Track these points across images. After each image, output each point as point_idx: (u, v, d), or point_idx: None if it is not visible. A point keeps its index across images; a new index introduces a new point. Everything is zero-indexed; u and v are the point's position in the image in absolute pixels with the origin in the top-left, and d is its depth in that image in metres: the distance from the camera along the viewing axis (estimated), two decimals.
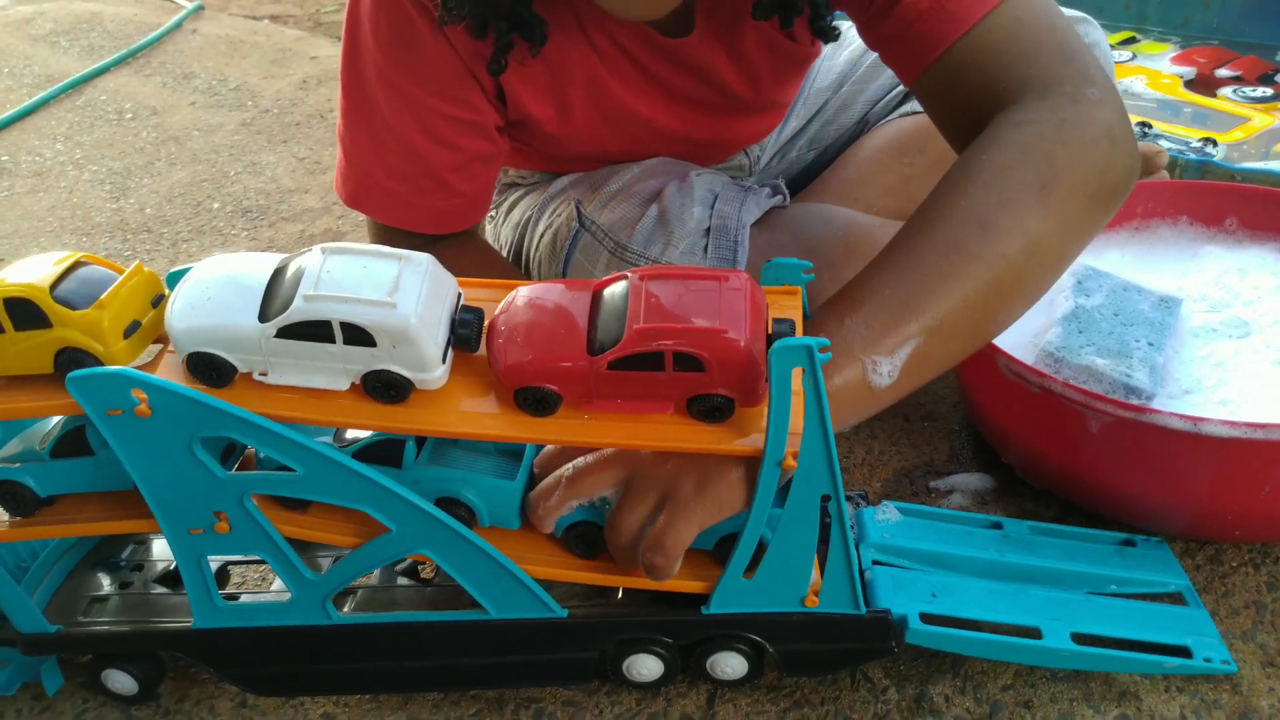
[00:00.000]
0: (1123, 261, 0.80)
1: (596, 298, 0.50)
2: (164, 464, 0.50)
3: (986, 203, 0.56)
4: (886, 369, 0.52)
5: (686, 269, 0.50)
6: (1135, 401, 0.65)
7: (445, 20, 0.65)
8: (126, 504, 0.56)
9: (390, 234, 0.78)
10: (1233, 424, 0.58)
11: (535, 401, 0.48)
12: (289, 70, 1.98)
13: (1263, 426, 0.58)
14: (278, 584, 0.62)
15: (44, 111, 1.90)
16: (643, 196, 0.80)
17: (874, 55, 0.76)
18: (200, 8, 2.57)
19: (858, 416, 0.53)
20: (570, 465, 0.53)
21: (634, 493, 0.52)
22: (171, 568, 0.65)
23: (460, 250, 0.79)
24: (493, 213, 0.95)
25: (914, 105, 0.92)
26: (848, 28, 0.80)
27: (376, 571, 0.62)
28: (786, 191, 0.84)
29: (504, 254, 0.91)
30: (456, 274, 0.52)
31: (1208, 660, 0.54)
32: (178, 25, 2.37)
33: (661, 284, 0.48)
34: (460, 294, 0.51)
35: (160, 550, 0.67)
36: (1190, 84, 1.36)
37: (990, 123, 0.61)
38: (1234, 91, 1.31)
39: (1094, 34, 0.90)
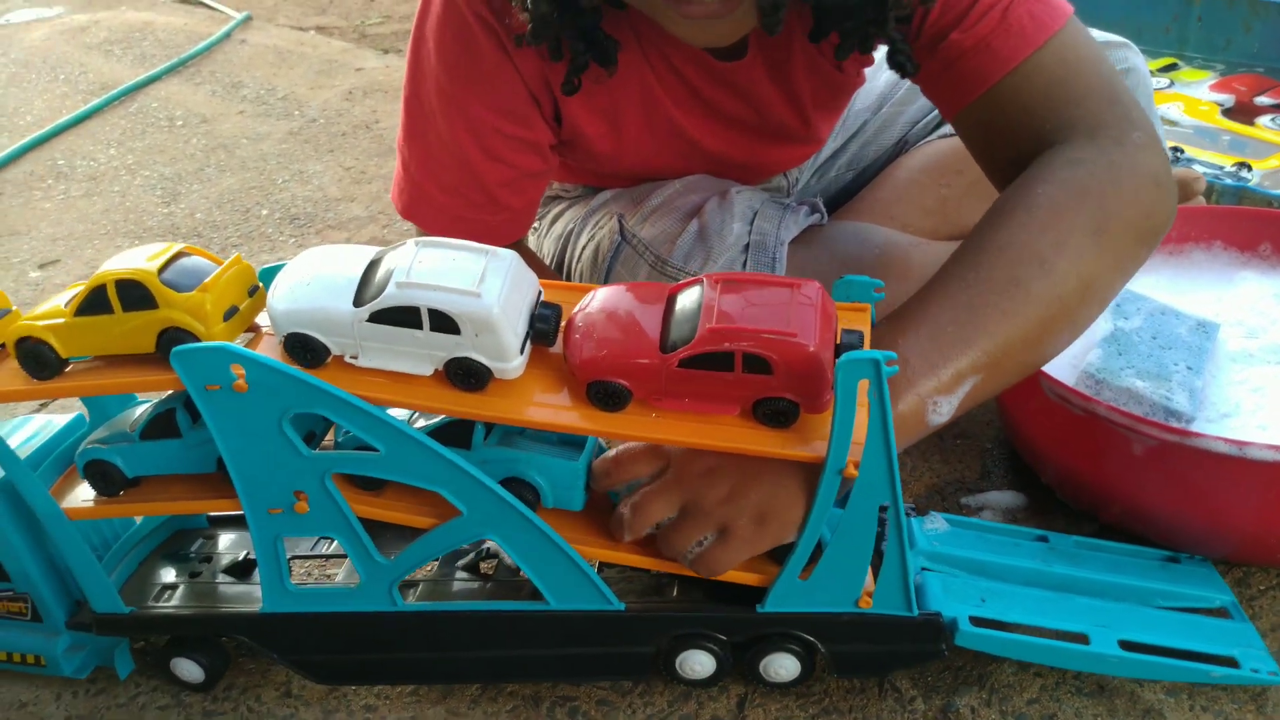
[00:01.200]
0: (1159, 285, 0.82)
1: (671, 300, 0.52)
2: (253, 440, 0.53)
3: (1044, 241, 0.58)
4: (945, 408, 0.54)
5: (761, 276, 0.52)
6: (1175, 424, 0.67)
7: (525, 43, 0.67)
8: (208, 485, 0.59)
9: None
10: (1277, 448, 0.60)
11: (606, 396, 0.51)
12: (335, 81, 2.03)
13: None
14: (340, 578, 0.64)
15: (98, 118, 1.96)
16: (684, 212, 0.83)
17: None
18: (249, 18, 2.63)
19: (909, 443, 0.55)
20: (635, 495, 0.55)
21: (693, 521, 0.54)
22: (240, 558, 0.67)
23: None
24: (536, 224, 0.98)
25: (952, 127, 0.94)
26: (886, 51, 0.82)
27: (436, 564, 0.65)
28: (824, 210, 0.86)
29: (547, 264, 0.93)
30: None
31: (1255, 671, 0.56)
32: (227, 35, 2.43)
33: (735, 289, 0.51)
34: (540, 291, 0.54)
35: (227, 544, 0.70)
36: (1229, 111, 1.37)
37: (1040, 158, 0.62)
38: (1272, 120, 1.33)
39: (1133, 59, 0.92)
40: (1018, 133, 0.65)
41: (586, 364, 0.51)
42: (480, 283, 0.50)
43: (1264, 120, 1.33)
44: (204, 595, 0.65)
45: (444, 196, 0.78)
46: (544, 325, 0.52)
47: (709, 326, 0.49)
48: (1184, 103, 1.40)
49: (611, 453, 0.57)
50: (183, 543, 0.70)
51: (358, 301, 0.51)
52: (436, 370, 0.52)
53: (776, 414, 0.49)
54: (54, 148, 1.82)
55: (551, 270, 0.92)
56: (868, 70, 0.96)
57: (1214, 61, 1.54)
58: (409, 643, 0.61)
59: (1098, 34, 0.92)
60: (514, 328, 0.51)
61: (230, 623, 0.62)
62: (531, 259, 0.87)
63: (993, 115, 0.66)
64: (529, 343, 0.52)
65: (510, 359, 0.51)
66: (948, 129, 0.94)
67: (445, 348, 0.51)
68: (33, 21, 3.01)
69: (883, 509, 0.50)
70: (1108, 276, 0.60)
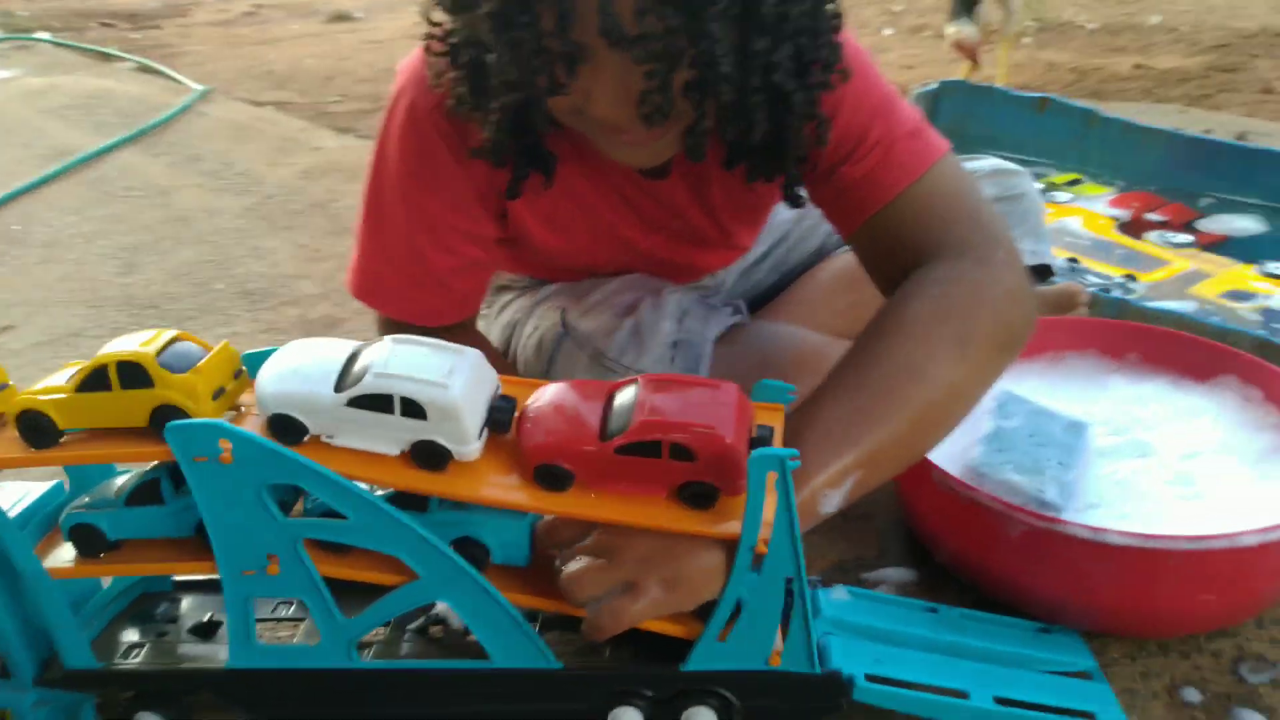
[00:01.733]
0: (1039, 388, 0.92)
1: (610, 396, 0.60)
2: (234, 508, 0.59)
3: (916, 354, 0.67)
4: (835, 499, 0.63)
5: (687, 378, 0.61)
6: (1047, 513, 0.76)
7: (474, 155, 0.76)
8: (185, 549, 0.64)
9: (393, 325, 0.88)
10: (1129, 534, 0.69)
11: (551, 478, 0.58)
12: (292, 159, 2.10)
13: (1153, 537, 0.69)
14: (298, 639, 0.70)
15: (55, 184, 2.00)
16: (621, 308, 0.92)
17: None
18: (210, 91, 2.70)
19: (805, 529, 0.62)
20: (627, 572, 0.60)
21: (608, 570, 0.59)
22: (204, 619, 0.72)
23: (459, 340, 0.90)
24: (486, 310, 1.06)
25: None
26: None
27: (388, 629, 0.71)
28: (746, 310, 0.96)
29: (495, 348, 1.01)
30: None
31: None
32: (186, 108, 2.50)
33: (665, 388, 0.59)
34: (499, 385, 0.61)
35: (191, 606, 0.75)
36: (1123, 226, 1.52)
37: (914, 276, 0.72)
38: (1159, 236, 1.47)
39: (1024, 185, 1.04)
40: (899, 252, 0.75)
41: (535, 449, 0.58)
42: (448, 376, 0.58)
43: (1151, 235, 1.48)
44: (170, 654, 0.70)
45: (396, 280, 0.86)
46: (501, 415, 0.60)
47: (641, 419, 0.57)
48: (1083, 216, 1.55)
49: (552, 516, 0.64)
50: (149, 604, 0.75)
51: (338, 388, 0.58)
52: (403, 451, 0.59)
53: (698, 496, 0.57)
54: (9, 212, 1.86)
55: (499, 354, 1.00)
56: None
57: (1115, 179, 1.70)
58: (363, 700, 0.66)
59: (995, 161, 1.05)
60: (474, 416, 0.58)
61: (197, 678, 0.67)
62: (481, 343, 0.95)
63: (878, 236, 0.77)
64: (486, 430, 0.60)
65: (469, 443, 0.58)
66: None
67: (413, 431, 0.58)
68: None
69: (789, 580, 0.58)
70: (972, 382, 0.69)
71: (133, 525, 0.65)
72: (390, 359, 0.58)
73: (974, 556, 0.78)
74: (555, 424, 0.59)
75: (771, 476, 0.54)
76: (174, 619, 0.73)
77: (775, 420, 0.63)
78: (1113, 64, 2.84)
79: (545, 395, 0.61)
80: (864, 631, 0.69)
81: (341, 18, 4.43)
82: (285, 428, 0.59)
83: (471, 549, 0.62)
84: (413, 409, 0.57)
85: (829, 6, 0.68)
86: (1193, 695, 0.71)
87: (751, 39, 0.62)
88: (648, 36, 0.59)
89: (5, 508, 0.67)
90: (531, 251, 0.92)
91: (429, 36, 0.72)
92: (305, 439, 0.60)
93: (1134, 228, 1.52)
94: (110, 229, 1.75)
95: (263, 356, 0.64)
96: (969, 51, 2.26)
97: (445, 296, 0.87)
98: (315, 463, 0.58)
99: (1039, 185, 1.68)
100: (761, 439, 0.59)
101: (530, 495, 0.59)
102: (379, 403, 0.57)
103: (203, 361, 0.61)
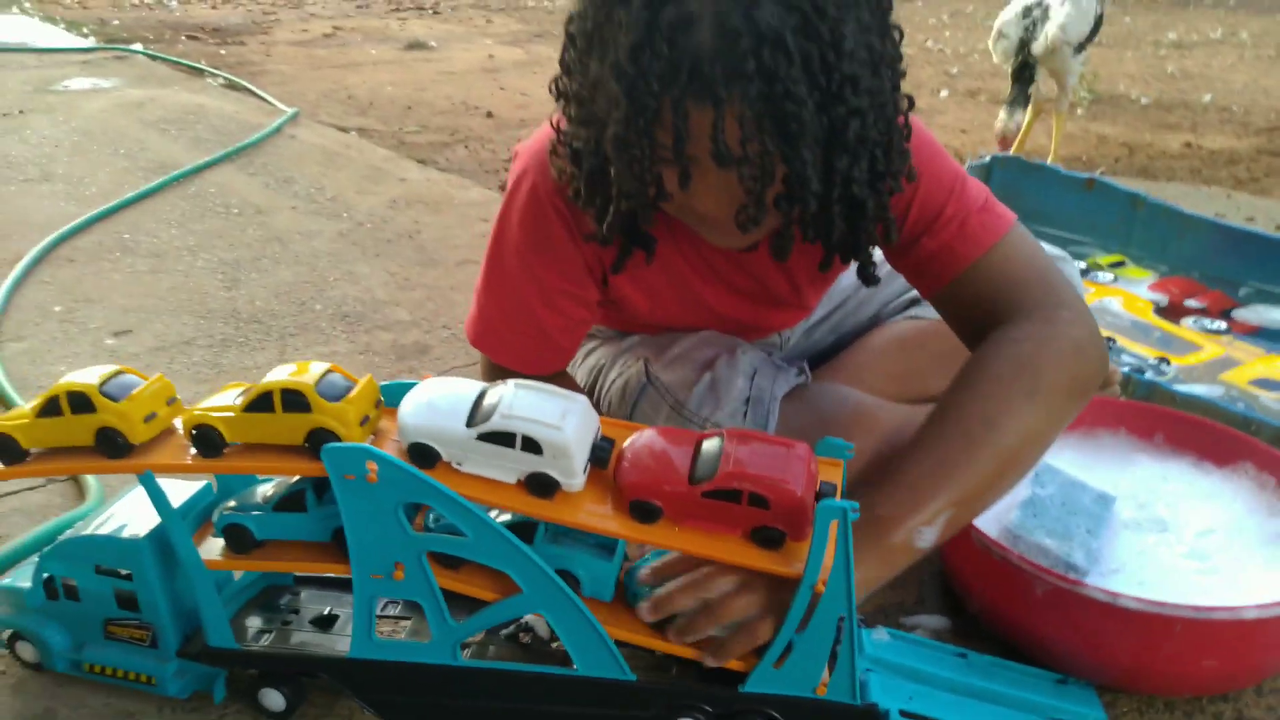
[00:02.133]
0: (1073, 460, 1.01)
1: (698, 445, 0.71)
2: (372, 520, 0.70)
3: (990, 407, 0.78)
4: (930, 536, 0.74)
5: (766, 435, 0.71)
6: (1072, 576, 0.85)
7: (586, 239, 0.88)
8: (322, 551, 0.75)
9: (497, 370, 0.99)
10: (1141, 600, 0.78)
11: (644, 512, 0.68)
12: (379, 188, 2.24)
13: (1162, 604, 0.78)
14: (404, 636, 0.80)
15: (158, 197, 2.15)
16: (699, 363, 1.02)
17: (888, 266, 0.99)
18: (298, 114, 2.86)
19: (906, 565, 0.75)
20: (710, 594, 0.72)
21: (743, 598, 0.71)
22: (324, 613, 0.83)
23: (551, 383, 1.01)
24: None
25: (919, 310, 1.15)
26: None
27: (484, 632, 0.81)
28: (809, 372, 1.06)
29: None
30: None
31: None
32: (278, 130, 2.65)
33: (746, 442, 0.69)
34: (600, 428, 0.72)
35: (309, 600, 0.86)
36: (1161, 310, 1.61)
37: (989, 337, 0.84)
38: (1195, 322, 1.56)
39: (1069, 269, 1.14)
40: (976, 313, 0.87)
41: (631, 486, 0.69)
42: (561, 419, 0.68)
43: (1188, 321, 1.56)
44: (293, 640, 0.81)
45: (510, 334, 0.97)
46: (601, 454, 0.71)
47: (727, 469, 0.67)
48: (1124, 298, 1.64)
49: (659, 561, 0.75)
50: (273, 596, 0.86)
51: (469, 423, 0.69)
52: (519, 479, 0.70)
53: (769, 539, 0.67)
54: (119, 221, 2.01)
55: (584, 392, 1.10)
56: None
57: (1157, 263, 1.78)
58: (461, 692, 0.77)
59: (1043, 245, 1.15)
60: (582, 454, 0.69)
61: (320, 664, 0.78)
62: (568, 384, 1.06)
63: (957, 300, 0.89)
64: (589, 465, 0.71)
65: (575, 477, 0.69)
66: (915, 311, 1.16)
67: (530, 464, 0.69)
68: (90, 91, 3.24)
69: (840, 618, 0.68)
70: (1044, 429, 0.80)
71: (278, 528, 0.76)
72: (514, 401, 0.69)
73: (1003, 610, 0.87)
74: (650, 465, 0.69)
75: (834, 526, 0.64)
76: (296, 610, 0.84)
77: (835, 475, 0.73)
78: (1163, 140, 2.92)
79: (641, 439, 0.72)
80: (901, 670, 0.79)
81: (417, 45, 4.62)
82: (422, 454, 0.70)
83: (566, 579, 0.72)
84: (531, 445, 0.68)
85: (899, 115, 0.78)
86: None
87: (835, 159, 0.72)
88: (749, 159, 0.69)
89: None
90: (625, 312, 1.03)
91: (555, 139, 0.84)
92: (436, 465, 0.71)
93: (1172, 312, 1.60)
94: (212, 243, 1.89)
95: (397, 387, 0.76)
96: (1003, 142, 2.36)
97: (549, 349, 0.98)
98: (447, 488, 0.68)
99: (1083, 264, 1.77)
100: (825, 493, 0.69)
101: (624, 525, 0.69)
102: (503, 439, 0.68)
103: (353, 393, 0.72)
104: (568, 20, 0.76)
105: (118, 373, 0.74)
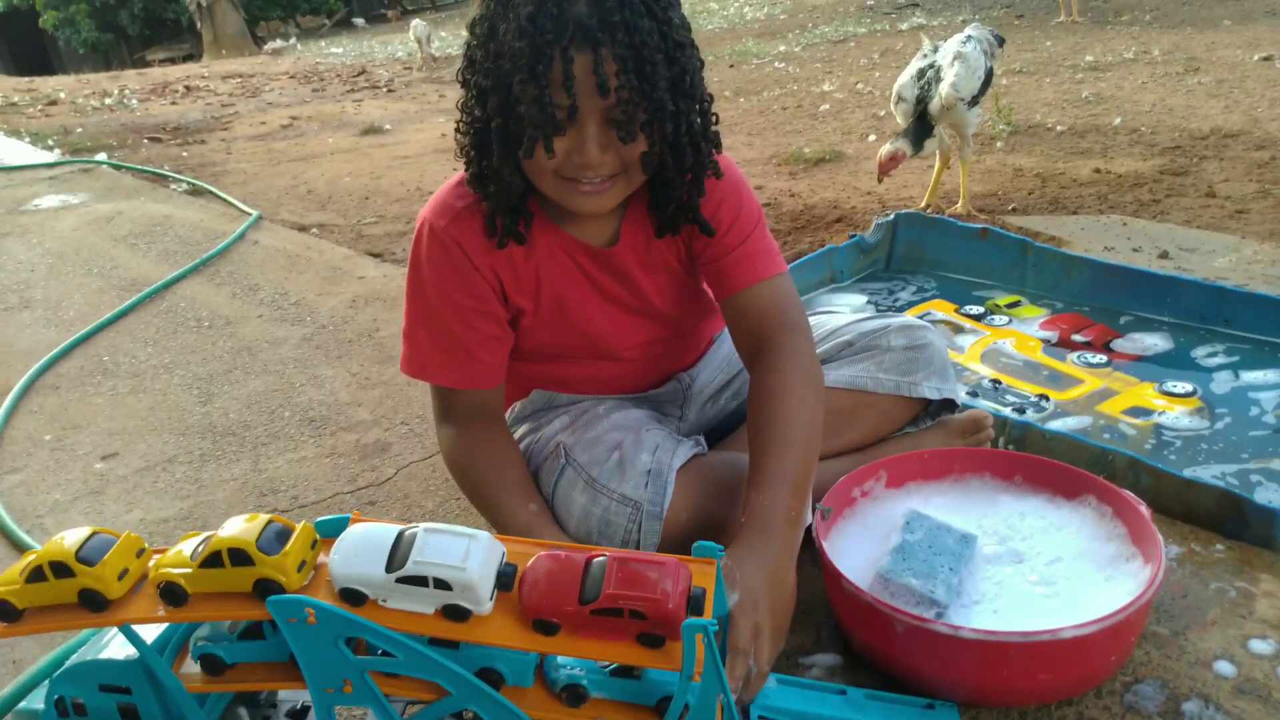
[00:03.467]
0: (944, 504, 1.17)
1: (587, 565, 0.84)
2: (317, 651, 0.84)
3: (807, 412, 1.10)
4: (809, 515, 1.05)
5: (644, 555, 0.84)
6: (934, 611, 1.00)
7: (486, 233, 1.13)
8: (282, 670, 0.89)
9: (445, 393, 1.20)
10: (978, 630, 0.94)
11: (545, 628, 0.82)
12: (339, 288, 2.40)
13: (995, 633, 0.93)
14: None
15: (133, 315, 2.30)
16: (609, 445, 1.19)
17: None
18: (260, 217, 3.02)
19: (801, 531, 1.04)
20: (756, 663, 0.92)
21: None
22: (297, 707, 0.97)
23: (495, 427, 1.22)
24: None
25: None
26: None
27: None
28: (705, 444, 1.22)
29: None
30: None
31: None
32: (241, 236, 2.82)
33: (625, 563, 0.83)
34: (504, 553, 0.86)
35: (286, 694, 1.00)
36: (1050, 347, 1.77)
37: (772, 350, 1.14)
38: (1079, 357, 1.72)
39: (928, 336, 1.30)
40: (750, 323, 1.18)
41: (531, 609, 0.82)
42: (465, 559, 0.82)
43: (1073, 357, 1.73)
44: None
45: (436, 355, 1.18)
46: (506, 579, 0.84)
47: (609, 591, 0.81)
48: (1016, 338, 1.80)
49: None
50: (255, 692, 1.00)
51: (388, 568, 0.82)
52: (436, 610, 0.83)
53: (651, 641, 0.81)
54: (98, 344, 2.16)
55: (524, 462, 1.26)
56: None
57: (1052, 300, 1.95)
58: None
59: (904, 319, 1.31)
60: (486, 585, 0.82)
61: None
62: (509, 446, 1.22)
63: (741, 310, 1.18)
64: (496, 590, 0.84)
65: (483, 604, 0.82)
66: None
67: (442, 598, 0.82)
68: (60, 209, 3.39)
69: (720, 696, 0.82)
70: (819, 414, 1.12)
71: (243, 653, 0.89)
72: (424, 546, 0.82)
73: (875, 646, 1.02)
74: (546, 588, 0.83)
75: (699, 637, 0.78)
76: (274, 704, 0.99)
77: (708, 577, 0.87)
78: (1075, 168, 3.11)
79: (540, 564, 0.85)
80: (788, 714, 0.93)
81: (372, 130, 4.81)
82: (352, 596, 0.83)
83: (491, 675, 0.86)
84: (442, 584, 0.81)
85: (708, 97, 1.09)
86: None
87: (679, 99, 1.01)
88: (624, 87, 0.97)
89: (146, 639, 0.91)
90: (520, 331, 1.22)
91: (458, 120, 1.09)
92: (365, 603, 0.83)
93: (1060, 348, 1.77)
94: (186, 359, 2.04)
95: (331, 523, 0.90)
96: (882, 167, 2.51)
97: (474, 365, 1.18)
98: (374, 623, 0.82)
99: (982, 308, 1.94)
100: (696, 598, 0.83)
101: (529, 640, 0.82)
102: (418, 580, 0.82)
103: (289, 544, 0.84)
104: (470, 24, 1.03)
105: (92, 535, 0.86)
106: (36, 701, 0.97)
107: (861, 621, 1.03)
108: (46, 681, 0.97)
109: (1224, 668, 1.01)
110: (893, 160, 2.44)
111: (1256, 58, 4.55)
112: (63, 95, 6.69)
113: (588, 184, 1.05)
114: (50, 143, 4.93)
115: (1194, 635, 1.05)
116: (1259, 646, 1.03)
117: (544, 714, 0.86)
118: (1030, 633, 0.93)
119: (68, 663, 0.95)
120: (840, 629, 1.10)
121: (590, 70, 0.96)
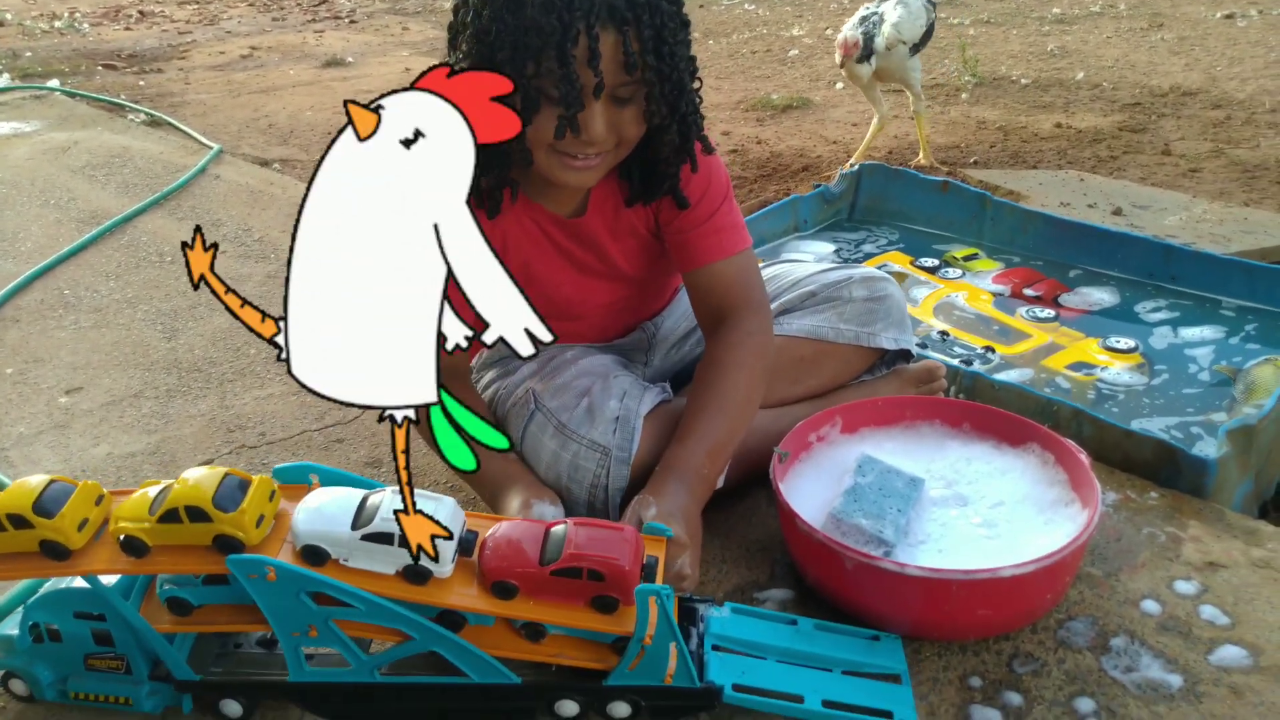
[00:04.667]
0: (895, 450, 1.22)
1: (547, 532, 0.88)
2: (281, 602, 0.86)
3: (745, 386, 1.16)
4: (721, 479, 1.13)
5: (602, 523, 0.88)
6: (882, 550, 1.05)
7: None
8: (249, 613, 0.90)
9: None
10: (923, 568, 0.99)
11: (503, 590, 0.85)
12: None
13: (938, 570, 0.99)
14: (333, 662, 0.97)
15: (93, 249, 2.27)
16: (578, 391, 1.21)
17: None
18: (221, 151, 2.98)
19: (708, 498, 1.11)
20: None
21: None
22: (268, 636, 1.00)
23: (462, 384, 1.25)
24: (475, 377, 1.35)
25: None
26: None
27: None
28: (670, 391, 1.26)
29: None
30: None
31: None
32: (202, 170, 2.78)
33: (585, 529, 0.87)
34: (465, 521, 0.89)
35: None
36: (1001, 301, 1.82)
37: (728, 325, 1.18)
38: (1028, 311, 1.78)
39: (889, 288, 1.34)
40: (712, 298, 1.21)
41: (491, 570, 0.85)
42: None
43: (1022, 311, 1.78)
44: (245, 662, 0.97)
45: None
46: (467, 545, 0.87)
47: (570, 551, 0.85)
48: (968, 291, 1.85)
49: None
50: None
51: (353, 526, 0.84)
52: (397, 571, 0.86)
53: (605, 605, 0.85)
54: (58, 277, 2.13)
55: (490, 413, 1.29)
56: None
57: (1008, 254, 2.00)
58: (383, 698, 0.93)
59: (865, 270, 1.35)
60: (448, 548, 0.84)
61: (271, 688, 0.95)
62: (476, 401, 1.25)
63: (702, 285, 1.21)
64: (457, 554, 0.87)
65: (445, 566, 0.85)
66: None
67: (404, 558, 0.84)
68: (12, 137, 3.31)
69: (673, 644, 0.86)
70: (761, 390, 1.18)
71: (209, 596, 0.91)
72: (392, 505, 0.84)
73: (825, 582, 1.07)
74: (507, 551, 0.86)
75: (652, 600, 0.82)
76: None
77: (659, 549, 0.92)
78: (1036, 122, 3.15)
79: (500, 530, 0.89)
80: (740, 643, 0.98)
81: (335, 63, 4.72)
82: (314, 554, 0.86)
83: (453, 617, 0.88)
84: (405, 542, 0.83)
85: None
86: (976, 682, 1.01)
87: (686, 81, 1.06)
88: (649, 66, 1.01)
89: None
90: None
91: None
92: (326, 563, 0.86)
93: (1010, 302, 1.82)
94: (150, 294, 2.03)
95: (291, 470, 0.92)
96: (844, 49, 2.52)
97: None
98: (336, 580, 0.84)
99: (938, 260, 1.98)
100: (649, 565, 0.87)
101: (487, 602, 0.86)
102: (383, 538, 0.84)
103: (245, 500, 0.84)
104: None
105: (50, 484, 0.86)
106: (11, 628, 0.99)
107: (813, 558, 1.08)
108: (21, 608, 0.99)
109: (1150, 606, 1.07)
110: (853, 45, 2.48)
111: (1219, 15, 4.60)
112: (9, 16, 6.46)
113: (581, 159, 1.06)
114: None
115: (1124, 576, 1.12)
116: (1183, 587, 1.10)
117: (505, 651, 0.90)
118: (972, 571, 0.98)
119: (42, 589, 0.97)
120: (794, 565, 1.15)
121: (617, 48, 0.99)
